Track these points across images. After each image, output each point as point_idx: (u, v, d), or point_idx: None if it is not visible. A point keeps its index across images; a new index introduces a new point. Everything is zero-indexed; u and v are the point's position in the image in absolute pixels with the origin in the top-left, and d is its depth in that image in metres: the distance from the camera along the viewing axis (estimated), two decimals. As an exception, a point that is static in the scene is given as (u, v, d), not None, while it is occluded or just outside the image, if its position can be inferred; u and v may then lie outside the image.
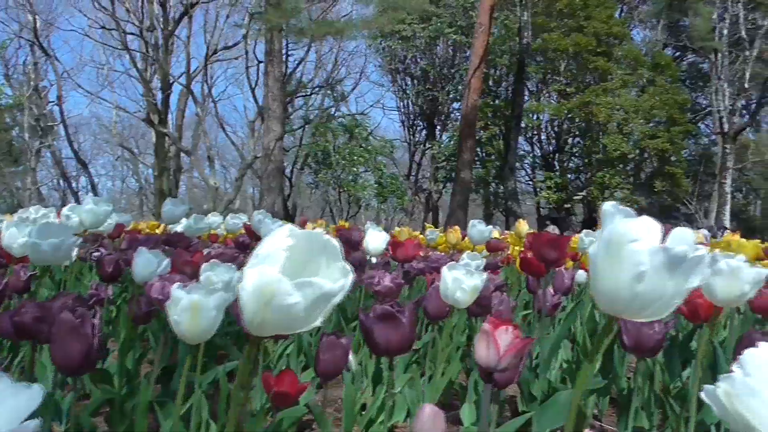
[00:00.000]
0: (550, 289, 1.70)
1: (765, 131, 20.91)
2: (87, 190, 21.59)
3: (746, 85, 16.09)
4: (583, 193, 16.22)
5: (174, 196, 16.70)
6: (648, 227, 0.44)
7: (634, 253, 0.41)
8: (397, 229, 4.21)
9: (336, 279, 0.42)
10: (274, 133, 10.37)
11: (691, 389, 1.22)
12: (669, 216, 19.01)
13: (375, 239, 1.61)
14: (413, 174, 19.03)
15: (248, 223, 2.20)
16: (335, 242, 0.43)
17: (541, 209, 17.28)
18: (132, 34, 15.90)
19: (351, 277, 0.42)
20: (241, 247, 2.39)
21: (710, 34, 15.82)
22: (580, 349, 1.71)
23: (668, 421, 1.36)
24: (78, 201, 19.52)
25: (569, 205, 16.95)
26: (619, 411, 1.48)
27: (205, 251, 1.91)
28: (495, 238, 3.79)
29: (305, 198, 23.96)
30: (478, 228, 2.02)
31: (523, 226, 3.39)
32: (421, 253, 3.74)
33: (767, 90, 16.76)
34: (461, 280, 1.00)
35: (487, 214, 18.24)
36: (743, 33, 15.81)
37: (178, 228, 2.45)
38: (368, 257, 1.81)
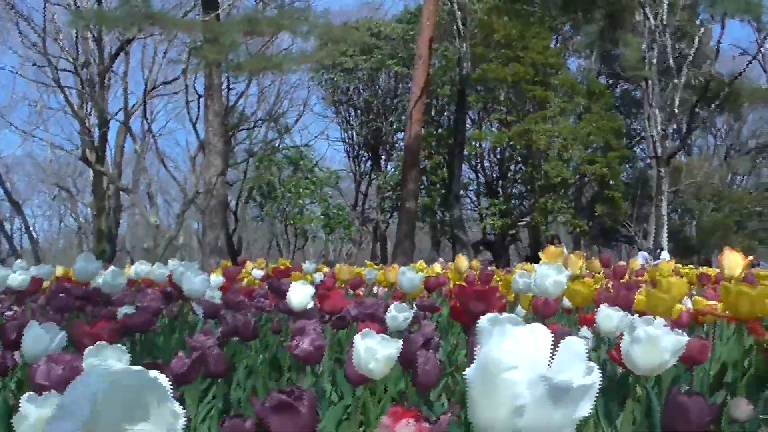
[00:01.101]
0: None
1: (696, 154, 21.81)
2: (21, 231, 20.77)
3: (676, 111, 16.77)
4: (528, 218, 16.47)
5: (114, 236, 16.22)
6: (532, 342, 0.38)
7: (511, 384, 0.35)
8: (338, 266, 4.12)
9: (164, 427, 0.35)
10: (216, 168, 10.19)
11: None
12: (610, 239, 19.51)
13: (297, 293, 1.53)
14: (360, 204, 19.00)
15: (170, 274, 2.09)
16: (163, 380, 0.36)
17: (487, 235, 17.46)
18: (66, 70, 15.49)
19: (183, 422, 0.35)
20: (167, 298, 2.29)
21: (641, 64, 16.47)
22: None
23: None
24: (11, 244, 18.66)
25: (514, 231, 17.18)
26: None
27: (122, 311, 1.79)
28: (436, 273, 3.77)
29: (251, 231, 23.61)
30: (408, 276, 1.95)
31: (463, 262, 3.37)
32: (363, 291, 3.67)
33: (695, 115, 17.50)
34: (375, 350, 0.93)
35: (434, 241, 18.32)
36: (671, 62, 16.52)
37: (99, 280, 2.31)
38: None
